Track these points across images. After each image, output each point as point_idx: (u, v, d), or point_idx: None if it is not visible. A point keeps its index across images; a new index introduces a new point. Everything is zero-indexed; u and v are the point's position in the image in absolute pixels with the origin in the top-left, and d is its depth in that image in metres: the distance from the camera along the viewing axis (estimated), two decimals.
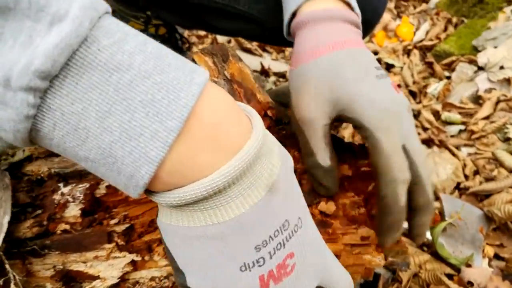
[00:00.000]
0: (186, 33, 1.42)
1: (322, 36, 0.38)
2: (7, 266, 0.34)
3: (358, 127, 0.35)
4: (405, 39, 1.37)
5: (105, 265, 0.31)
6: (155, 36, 0.90)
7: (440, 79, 1.19)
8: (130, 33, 0.22)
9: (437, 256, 0.61)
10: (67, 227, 0.33)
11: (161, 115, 0.21)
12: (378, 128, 0.33)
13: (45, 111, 0.20)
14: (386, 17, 1.40)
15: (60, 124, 0.21)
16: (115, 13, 0.88)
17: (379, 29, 1.39)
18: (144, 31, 0.89)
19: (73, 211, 0.34)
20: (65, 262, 0.33)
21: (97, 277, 0.31)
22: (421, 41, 1.34)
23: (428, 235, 0.63)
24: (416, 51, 1.30)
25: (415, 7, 1.44)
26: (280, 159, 0.26)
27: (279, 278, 0.25)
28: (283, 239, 0.25)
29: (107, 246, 0.31)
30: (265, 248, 0.24)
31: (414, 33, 1.37)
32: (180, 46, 1.00)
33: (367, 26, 0.61)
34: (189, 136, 0.22)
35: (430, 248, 0.63)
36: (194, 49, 1.39)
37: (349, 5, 0.40)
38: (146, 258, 0.32)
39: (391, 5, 1.44)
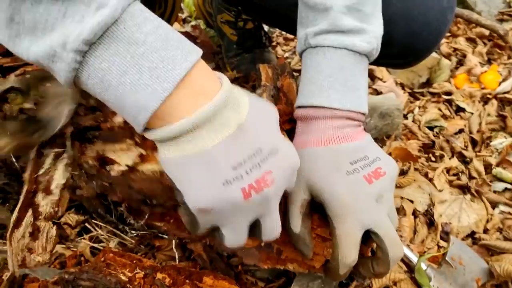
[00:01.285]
0: (276, 33, 1.54)
1: (312, 132, 0.45)
2: (68, 143, 0.50)
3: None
4: (487, 87, 1.31)
5: (125, 156, 0.45)
6: (242, 30, 1.04)
7: (511, 135, 1.13)
8: (149, 19, 0.30)
9: (414, 280, 0.64)
10: (110, 126, 0.47)
11: (161, 78, 0.29)
12: (335, 218, 0.42)
13: (84, 66, 0.29)
14: (473, 60, 1.36)
15: (92, 76, 0.29)
16: (212, 1, 1.05)
17: (463, 71, 1.36)
18: (234, 23, 1.03)
19: (120, 118, 0.48)
20: (104, 150, 0.48)
21: (118, 163, 0.45)
22: (504, 93, 1.27)
23: (414, 259, 0.65)
24: (494, 101, 1.24)
25: (509, 57, 1.37)
26: (247, 110, 0.34)
27: (260, 189, 0.33)
28: (258, 161, 0.33)
29: (129, 141, 0.45)
30: (241, 167, 0.32)
31: (499, 83, 1.31)
32: (264, 42, 1.09)
33: (419, 52, 0.63)
34: (180, 92, 0.30)
35: (411, 271, 0.66)
36: (278, 49, 1.52)
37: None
38: (150, 153, 0.44)
39: (483, 49, 1.39)
